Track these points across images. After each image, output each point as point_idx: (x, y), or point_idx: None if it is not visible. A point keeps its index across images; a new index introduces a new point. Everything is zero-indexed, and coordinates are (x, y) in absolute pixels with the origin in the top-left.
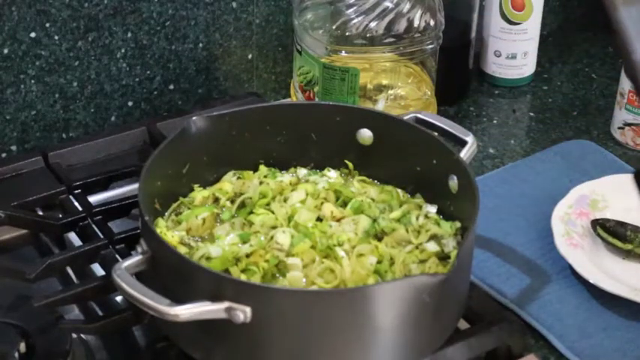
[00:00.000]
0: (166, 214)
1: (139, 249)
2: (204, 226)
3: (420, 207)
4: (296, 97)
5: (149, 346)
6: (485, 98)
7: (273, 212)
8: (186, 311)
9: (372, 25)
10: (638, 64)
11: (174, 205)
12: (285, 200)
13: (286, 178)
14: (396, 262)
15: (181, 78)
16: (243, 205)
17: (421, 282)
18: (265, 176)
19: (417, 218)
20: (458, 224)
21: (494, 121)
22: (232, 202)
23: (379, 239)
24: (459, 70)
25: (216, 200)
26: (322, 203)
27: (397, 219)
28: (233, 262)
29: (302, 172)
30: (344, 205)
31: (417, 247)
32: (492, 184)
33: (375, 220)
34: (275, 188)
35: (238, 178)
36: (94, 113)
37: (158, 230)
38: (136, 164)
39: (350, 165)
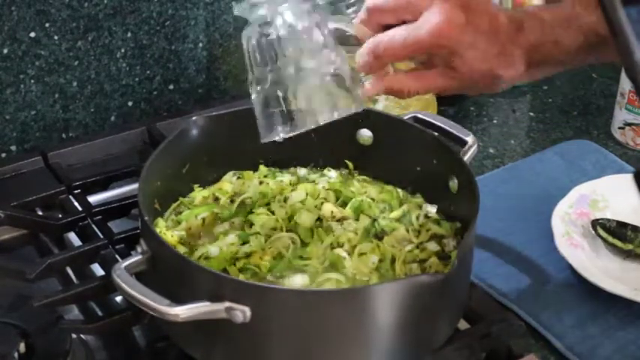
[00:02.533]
0: (166, 213)
1: (139, 249)
2: (204, 225)
3: (419, 207)
4: None
5: (149, 346)
6: (485, 98)
7: (272, 213)
8: (186, 311)
9: None
10: (638, 65)
11: (175, 204)
12: (284, 200)
13: (286, 178)
14: (397, 261)
15: (181, 78)
16: (242, 204)
17: (421, 282)
18: (265, 176)
19: (418, 218)
20: (458, 224)
21: (494, 121)
22: (232, 201)
23: (379, 239)
24: None
25: (217, 200)
26: (322, 203)
27: (397, 218)
28: (231, 262)
29: (302, 171)
30: (344, 205)
31: (417, 247)
32: (492, 184)
33: (375, 220)
34: (275, 188)
35: (238, 178)
36: (94, 113)
37: (158, 230)
38: (135, 164)
39: (350, 165)
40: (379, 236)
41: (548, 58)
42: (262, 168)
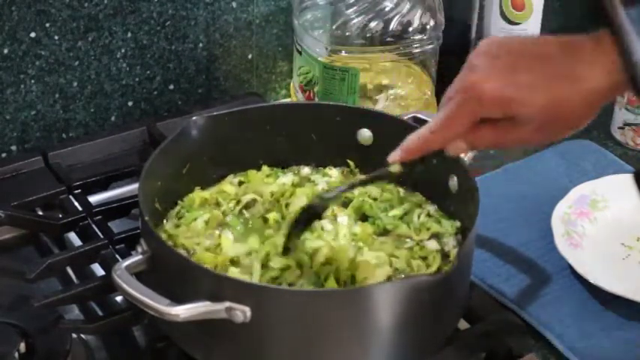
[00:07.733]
0: (168, 215)
1: (139, 249)
2: (206, 228)
3: (420, 205)
4: (296, 97)
5: (149, 346)
6: None
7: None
8: (186, 311)
9: (372, 25)
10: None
11: (177, 208)
12: (286, 206)
13: (289, 178)
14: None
15: (181, 78)
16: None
17: (421, 282)
18: (268, 176)
19: (419, 216)
20: (458, 223)
21: None
22: (238, 202)
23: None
24: (458, 70)
25: (218, 205)
26: None
27: (399, 216)
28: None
29: (305, 170)
30: (345, 205)
31: (417, 244)
32: (492, 184)
33: (375, 220)
34: (277, 191)
35: (240, 182)
36: (94, 113)
37: (164, 236)
38: (136, 164)
39: (351, 164)
40: (381, 234)
41: None
42: (265, 168)
